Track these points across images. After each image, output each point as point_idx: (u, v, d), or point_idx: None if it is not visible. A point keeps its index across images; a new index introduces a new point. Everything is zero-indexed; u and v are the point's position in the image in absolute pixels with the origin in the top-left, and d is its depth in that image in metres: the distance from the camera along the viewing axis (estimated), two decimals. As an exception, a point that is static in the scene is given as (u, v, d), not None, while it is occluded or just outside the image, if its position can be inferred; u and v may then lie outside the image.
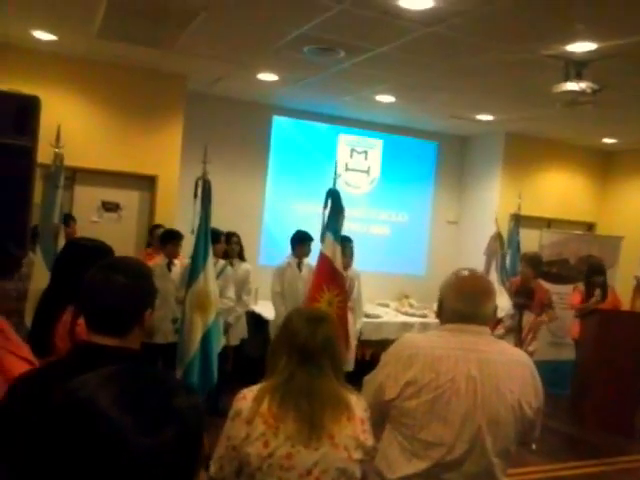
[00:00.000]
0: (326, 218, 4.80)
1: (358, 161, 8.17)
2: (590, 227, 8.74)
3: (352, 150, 8.14)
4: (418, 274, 8.32)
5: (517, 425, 2.06)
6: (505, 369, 2.08)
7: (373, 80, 5.91)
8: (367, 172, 8.26)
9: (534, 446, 4.93)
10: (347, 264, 5.40)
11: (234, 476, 1.83)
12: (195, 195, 4.58)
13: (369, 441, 1.89)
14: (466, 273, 2.20)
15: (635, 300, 6.94)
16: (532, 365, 2.16)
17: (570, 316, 6.82)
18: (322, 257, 4.82)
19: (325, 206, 4.85)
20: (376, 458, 2.12)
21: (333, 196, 4.84)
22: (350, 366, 5.08)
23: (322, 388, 1.84)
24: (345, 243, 5.42)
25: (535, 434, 2.19)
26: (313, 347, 1.87)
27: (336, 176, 5.06)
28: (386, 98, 6.58)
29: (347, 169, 8.01)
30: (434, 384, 2.01)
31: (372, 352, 6.21)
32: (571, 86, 4.53)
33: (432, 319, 7.01)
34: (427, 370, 2.02)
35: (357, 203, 7.95)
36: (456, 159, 8.76)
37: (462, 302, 2.11)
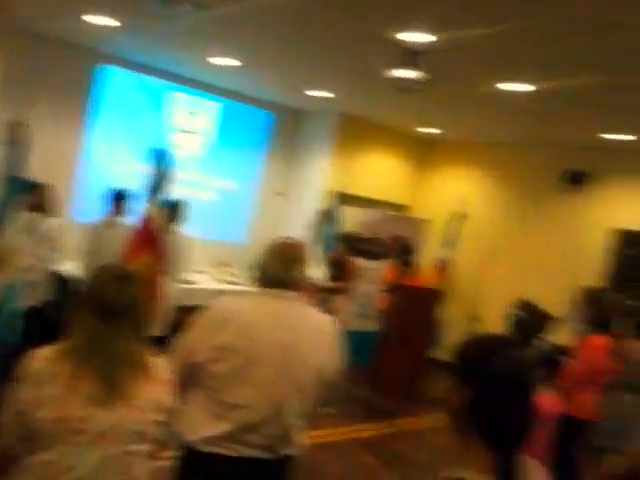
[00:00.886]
0: (152, 179, 4.64)
1: (192, 123, 7.98)
2: (405, 210, 9.42)
3: (186, 111, 7.93)
4: (241, 243, 8.39)
5: (320, 388, 2.22)
6: (312, 335, 2.21)
7: (216, 41, 5.74)
8: (200, 135, 8.11)
9: (333, 410, 5.32)
10: (172, 228, 5.30)
11: (18, 443, 1.72)
12: (6, 140, 4.20)
13: (171, 403, 1.89)
14: (283, 240, 2.33)
15: (435, 278, 7.66)
16: (336, 330, 2.33)
17: (377, 289, 7.36)
18: (144, 219, 4.67)
19: (152, 166, 4.69)
20: (179, 422, 2.13)
21: (162, 156, 4.68)
22: (162, 331, 5.03)
23: (124, 349, 1.80)
24: (175, 207, 5.31)
25: (333, 396, 2.37)
26: (118, 306, 1.81)
27: (167, 136, 4.91)
28: (227, 61, 6.44)
29: (180, 130, 7.80)
30: (245, 349, 2.08)
31: (186, 318, 6.16)
32: (406, 73, 4.77)
33: (250, 288, 7.13)
34: (240, 335, 2.09)
35: (186, 166, 7.78)
36: (290, 132, 8.89)
37: (277, 266, 2.23)
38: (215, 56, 6.30)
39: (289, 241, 2.35)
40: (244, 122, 8.45)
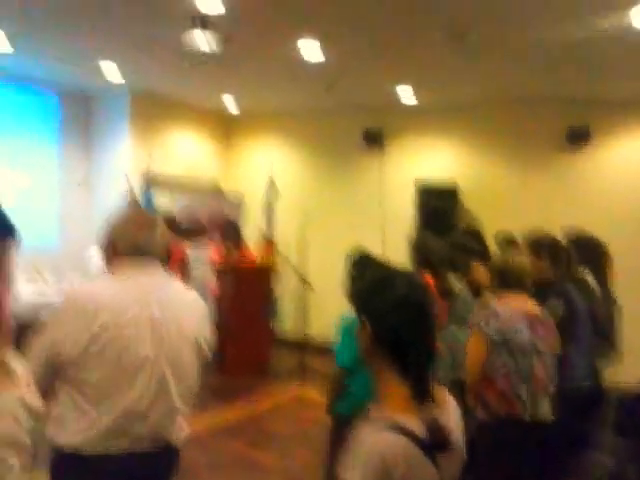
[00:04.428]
0: None
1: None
2: (217, 187, 9.30)
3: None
4: (50, 245, 7.68)
5: (197, 363, 2.16)
6: (183, 308, 2.14)
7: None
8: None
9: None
10: None
11: None
12: None
13: (39, 405, 1.68)
14: (130, 209, 2.20)
15: (264, 252, 7.73)
16: (203, 302, 2.27)
17: (206, 273, 7.24)
18: None
19: None
20: (51, 428, 1.96)
21: None
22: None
23: None
24: None
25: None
26: None
27: None
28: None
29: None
30: (119, 335, 1.94)
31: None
32: (197, 39, 4.63)
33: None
34: (112, 322, 1.94)
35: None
36: (81, 117, 8.25)
37: (140, 230, 2.09)
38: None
39: (138, 208, 2.24)
40: (26, 109, 7.64)
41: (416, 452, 1.31)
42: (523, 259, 3.13)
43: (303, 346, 7.27)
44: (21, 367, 1.68)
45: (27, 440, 1.62)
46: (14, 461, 1.57)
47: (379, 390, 1.44)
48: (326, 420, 3.19)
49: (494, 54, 5.28)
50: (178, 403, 2.09)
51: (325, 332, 7.60)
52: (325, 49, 5.35)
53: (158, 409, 2.03)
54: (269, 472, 4.42)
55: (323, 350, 7.00)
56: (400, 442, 1.30)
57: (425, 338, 1.43)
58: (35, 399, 1.67)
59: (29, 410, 1.63)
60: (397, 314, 1.42)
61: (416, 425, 1.33)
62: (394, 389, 1.40)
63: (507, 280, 2.99)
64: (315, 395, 5.75)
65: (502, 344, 2.83)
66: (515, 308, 2.94)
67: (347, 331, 3.18)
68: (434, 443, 1.32)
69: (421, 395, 1.38)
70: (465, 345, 4.42)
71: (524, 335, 2.88)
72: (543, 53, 5.13)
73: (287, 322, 8.38)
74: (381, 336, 1.42)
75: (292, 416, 5.70)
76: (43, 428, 1.75)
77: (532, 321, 2.96)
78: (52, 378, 1.96)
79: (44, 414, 1.74)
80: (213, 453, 4.61)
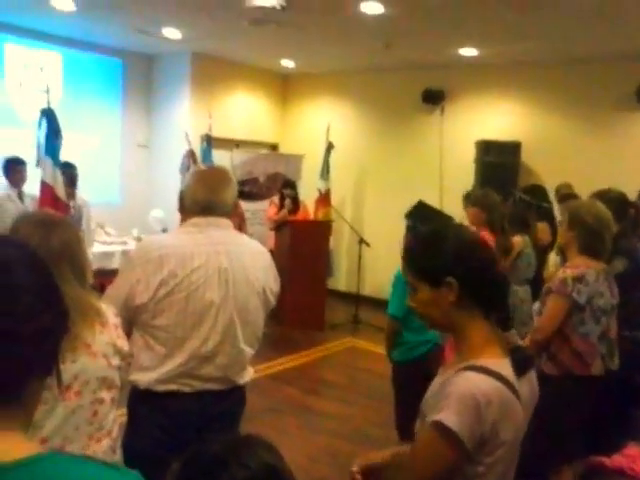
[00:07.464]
0: (42, 141, 4.25)
1: (34, 78, 7.24)
2: (274, 148, 9.35)
3: (24, 64, 7.17)
4: (113, 202, 7.92)
5: (263, 311, 2.24)
6: (250, 259, 2.19)
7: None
8: (47, 91, 7.39)
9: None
10: (72, 192, 5.06)
11: None
12: None
13: (126, 346, 1.81)
14: (205, 167, 2.28)
15: (318, 210, 7.77)
16: (269, 255, 2.32)
17: (264, 230, 7.35)
18: (43, 185, 4.27)
19: (42, 127, 4.30)
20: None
21: (48, 116, 4.29)
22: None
23: (68, 294, 1.65)
24: (67, 170, 5.00)
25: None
26: (47, 252, 1.60)
27: (49, 94, 4.52)
28: (64, 4, 5.85)
29: (22, 86, 7.06)
30: (187, 281, 2.02)
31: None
32: (262, 1, 4.62)
33: (133, 246, 6.82)
34: (180, 268, 2.02)
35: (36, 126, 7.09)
36: (143, 79, 8.40)
37: (202, 189, 2.14)
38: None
39: (213, 166, 2.31)
40: (93, 72, 7.83)
41: (509, 395, 1.34)
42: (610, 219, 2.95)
43: (356, 300, 7.33)
44: (110, 311, 1.79)
45: (116, 378, 1.74)
46: (105, 396, 1.69)
47: (464, 342, 1.43)
48: (379, 369, 3.20)
49: (558, 10, 5.03)
50: (244, 346, 2.17)
51: (378, 287, 7.66)
52: (385, 6, 5.21)
53: (225, 351, 2.11)
54: (325, 416, 4.52)
55: (376, 304, 7.09)
56: (493, 385, 1.33)
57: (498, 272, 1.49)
58: (122, 341, 1.79)
59: (118, 351, 1.74)
60: (484, 263, 1.45)
61: (506, 369, 1.37)
62: (483, 337, 1.41)
63: (597, 242, 2.89)
64: (368, 346, 5.79)
65: (586, 307, 2.78)
66: (599, 270, 2.86)
67: (400, 283, 3.20)
68: (519, 367, 1.39)
69: (507, 325, 1.49)
70: (522, 302, 4.36)
71: (606, 297, 2.85)
72: (610, 8, 4.86)
73: (342, 277, 8.44)
74: (472, 288, 1.42)
75: (345, 365, 5.79)
76: (127, 367, 1.85)
77: (607, 278, 2.91)
78: (130, 323, 2.05)
79: (130, 355, 1.87)
80: (271, 398, 4.74)
